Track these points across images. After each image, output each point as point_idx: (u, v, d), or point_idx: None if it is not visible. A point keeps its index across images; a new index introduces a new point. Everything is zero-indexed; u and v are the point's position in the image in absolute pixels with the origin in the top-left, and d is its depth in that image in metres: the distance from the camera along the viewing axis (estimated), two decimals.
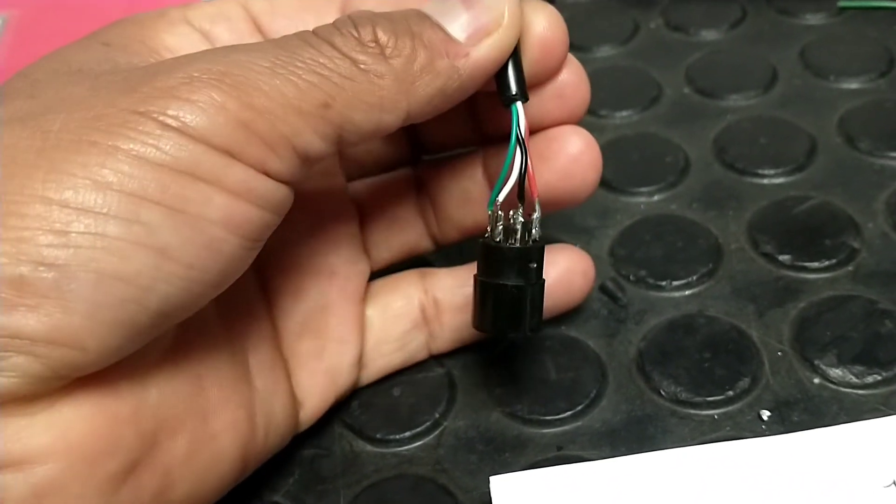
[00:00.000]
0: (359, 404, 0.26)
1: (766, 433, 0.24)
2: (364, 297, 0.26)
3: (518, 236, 0.22)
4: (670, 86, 0.37)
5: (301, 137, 0.19)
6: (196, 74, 0.18)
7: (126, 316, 0.17)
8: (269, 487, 0.25)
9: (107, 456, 0.18)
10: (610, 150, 0.34)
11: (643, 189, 0.32)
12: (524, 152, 0.22)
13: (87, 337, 0.17)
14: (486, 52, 0.21)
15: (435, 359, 0.27)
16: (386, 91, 0.20)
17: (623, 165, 0.33)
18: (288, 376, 0.24)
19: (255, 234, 0.19)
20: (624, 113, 0.36)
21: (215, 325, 0.22)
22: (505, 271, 0.22)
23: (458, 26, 0.21)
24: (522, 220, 0.22)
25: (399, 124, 0.20)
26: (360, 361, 0.26)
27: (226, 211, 0.18)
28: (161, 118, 0.17)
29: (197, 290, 0.19)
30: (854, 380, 0.25)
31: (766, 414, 0.25)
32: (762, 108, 0.35)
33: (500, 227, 0.22)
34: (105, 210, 0.17)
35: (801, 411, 0.25)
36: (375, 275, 0.27)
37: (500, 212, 0.22)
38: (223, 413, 0.21)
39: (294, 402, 0.24)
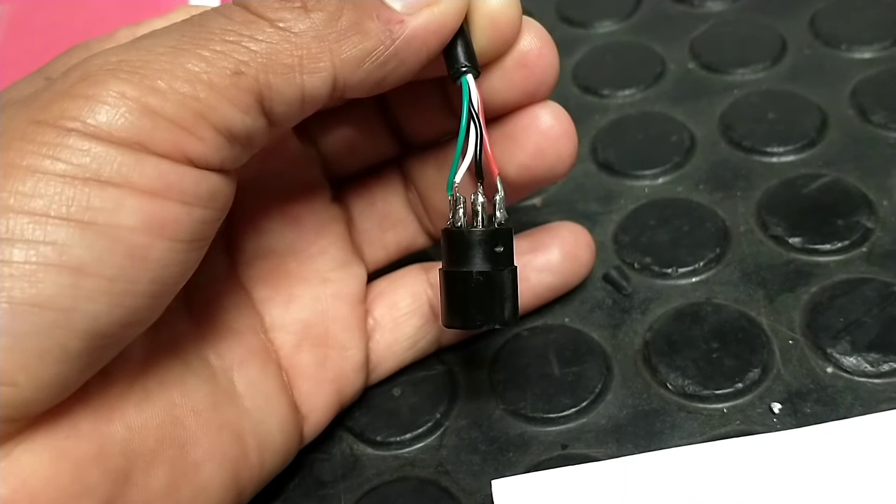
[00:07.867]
0: (359, 406, 0.26)
1: (778, 426, 0.24)
2: (365, 300, 0.25)
3: (480, 219, 0.21)
4: (674, 61, 0.36)
5: (217, 112, 0.18)
6: (93, 70, 0.17)
7: (53, 343, 0.16)
8: (269, 493, 0.24)
9: (73, 500, 0.18)
10: (612, 131, 0.33)
11: (647, 171, 0.31)
12: (478, 127, 0.21)
13: (15, 371, 0.16)
14: (425, 21, 0.19)
15: (436, 356, 0.27)
16: (304, 50, 0.18)
17: (626, 147, 0.32)
18: (287, 390, 0.23)
19: (188, 233, 0.18)
20: (626, 91, 0.35)
21: (190, 345, 0.21)
22: (469, 258, 0.21)
23: None
24: (483, 200, 0.21)
25: (329, 90, 0.19)
26: (366, 365, 0.25)
27: (142, 214, 0.17)
28: (59, 122, 0.17)
29: (132, 303, 0.17)
30: (869, 368, 0.24)
31: (777, 406, 0.24)
32: (770, 81, 0.34)
33: (461, 212, 0.21)
34: (7, 235, 0.16)
35: (814, 402, 0.24)
36: (377, 274, 0.26)
37: (460, 195, 0.21)
38: (204, 440, 0.21)
39: (296, 416, 0.23)
